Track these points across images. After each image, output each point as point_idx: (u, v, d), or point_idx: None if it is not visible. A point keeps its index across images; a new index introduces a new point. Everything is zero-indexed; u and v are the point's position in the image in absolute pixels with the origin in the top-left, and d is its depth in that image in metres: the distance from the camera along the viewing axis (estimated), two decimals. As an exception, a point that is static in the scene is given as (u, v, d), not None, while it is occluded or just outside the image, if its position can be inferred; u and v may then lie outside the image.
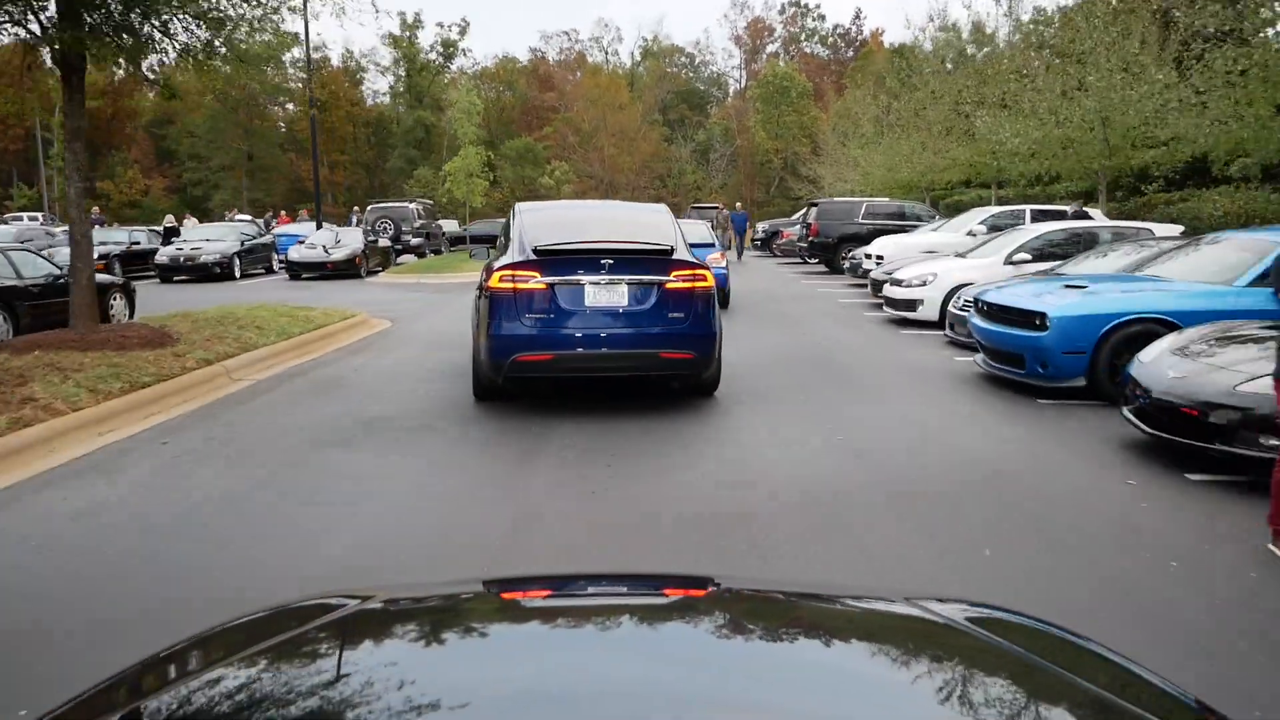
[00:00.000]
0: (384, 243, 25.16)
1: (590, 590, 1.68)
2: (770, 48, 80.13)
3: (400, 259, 28.34)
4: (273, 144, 72.26)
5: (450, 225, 38.93)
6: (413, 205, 29.51)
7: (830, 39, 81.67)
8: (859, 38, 79.82)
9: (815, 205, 25.26)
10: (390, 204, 30.50)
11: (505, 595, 1.63)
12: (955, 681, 1.20)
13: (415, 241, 28.41)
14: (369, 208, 30.13)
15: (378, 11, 15.81)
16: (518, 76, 79.57)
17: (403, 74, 71.63)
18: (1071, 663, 1.32)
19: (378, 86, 76.70)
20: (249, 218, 35.41)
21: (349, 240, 23.35)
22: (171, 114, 72.48)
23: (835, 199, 26.60)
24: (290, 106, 74.24)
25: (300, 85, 70.90)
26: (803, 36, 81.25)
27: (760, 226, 32.68)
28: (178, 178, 73.15)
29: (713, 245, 15.74)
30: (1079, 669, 1.28)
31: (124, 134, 75.44)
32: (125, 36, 9.30)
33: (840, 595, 1.56)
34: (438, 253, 31.46)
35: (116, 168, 72.40)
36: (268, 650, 1.24)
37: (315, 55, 73.60)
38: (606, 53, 78.59)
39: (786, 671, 1.20)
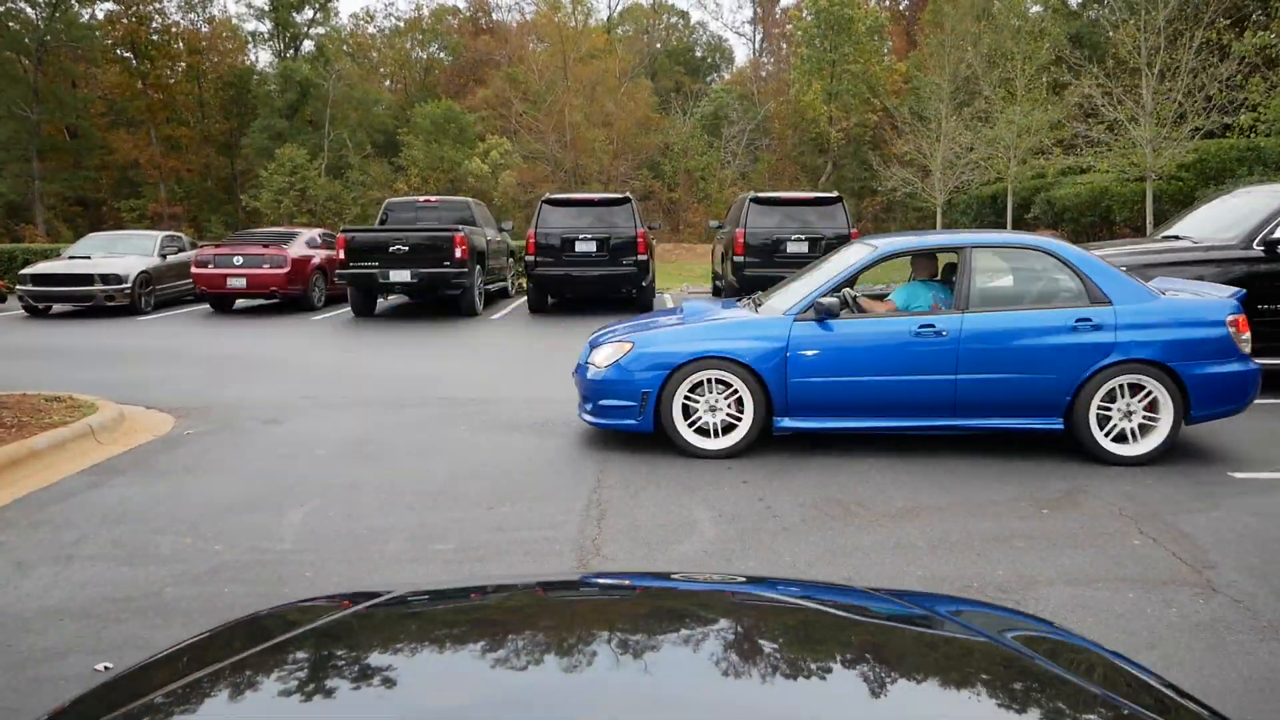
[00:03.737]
0: None
1: (589, 591, 1.68)
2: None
3: None
4: (83, 116, 49.10)
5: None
6: None
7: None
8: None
9: None
10: None
11: (507, 596, 1.62)
12: (932, 676, 1.22)
13: None
14: None
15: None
16: (449, 30, 56.98)
17: (265, 6, 48.40)
18: (1053, 656, 1.31)
19: (253, 30, 53.23)
20: None
21: None
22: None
23: None
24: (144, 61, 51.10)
25: (103, 35, 47.78)
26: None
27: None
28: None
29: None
30: (1063, 662, 1.28)
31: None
32: None
33: (823, 591, 1.68)
34: None
35: None
36: (272, 648, 1.26)
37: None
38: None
39: (791, 677, 1.17)
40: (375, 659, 1.22)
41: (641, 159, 43.98)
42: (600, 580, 1.76)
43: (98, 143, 49.78)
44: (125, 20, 46.84)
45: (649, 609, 1.50)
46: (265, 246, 14.64)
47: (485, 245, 14.81)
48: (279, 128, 46.27)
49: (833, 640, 1.36)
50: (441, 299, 14.52)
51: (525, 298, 15.41)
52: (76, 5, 48.18)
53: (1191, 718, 1.17)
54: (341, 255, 13.42)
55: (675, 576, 1.73)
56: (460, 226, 13.78)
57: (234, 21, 52.53)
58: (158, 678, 1.21)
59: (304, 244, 15.25)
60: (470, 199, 16.15)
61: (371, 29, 58.06)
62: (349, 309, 14.56)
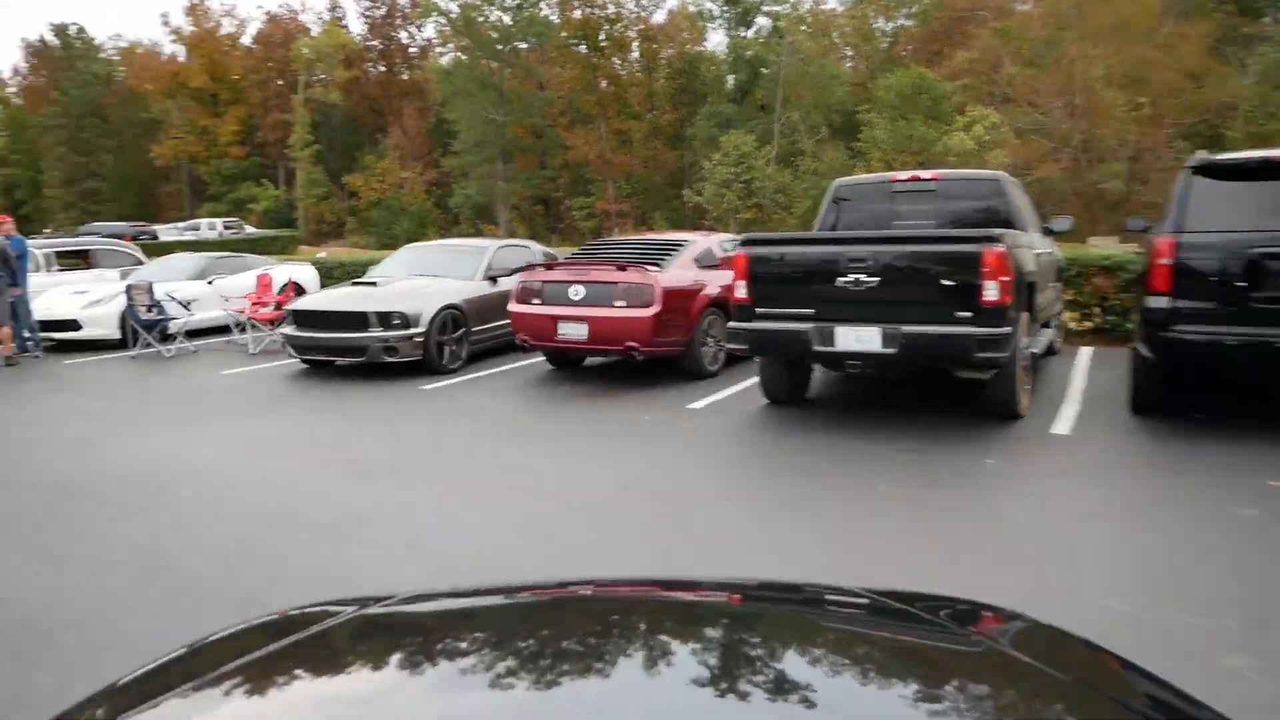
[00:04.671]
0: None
1: (589, 595, 1.62)
2: None
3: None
4: (544, 116, 48.78)
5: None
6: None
7: None
8: None
9: None
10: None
11: (507, 602, 1.55)
12: (922, 674, 1.18)
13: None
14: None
15: None
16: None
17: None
18: (1064, 661, 1.28)
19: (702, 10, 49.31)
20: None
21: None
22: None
23: None
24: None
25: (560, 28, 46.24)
26: None
27: None
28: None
29: None
30: (1070, 668, 1.24)
31: (402, 113, 56.87)
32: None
33: (815, 590, 1.59)
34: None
35: (366, 158, 54.27)
36: (271, 655, 1.23)
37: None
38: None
39: (802, 679, 1.13)
40: (379, 660, 1.19)
41: (1182, 127, 32.35)
42: (615, 583, 1.63)
43: (559, 142, 49.27)
44: (579, 12, 45.17)
45: (658, 612, 1.43)
46: (622, 270, 8.29)
47: (1035, 266, 7.08)
48: (727, 114, 41.62)
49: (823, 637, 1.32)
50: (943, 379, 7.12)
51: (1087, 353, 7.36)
52: (542, 4, 47.58)
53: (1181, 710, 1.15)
54: (740, 293, 6.63)
55: (685, 581, 1.65)
56: (994, 232, 6.20)
57: (690, 8, 48.94)
58: (161, 681, 1.18)
59: (691, 262, 8.67)
60: (1002, 173, 8.29)
61: (832, 2, 51.65)
62: (758, 381, 7.70)
